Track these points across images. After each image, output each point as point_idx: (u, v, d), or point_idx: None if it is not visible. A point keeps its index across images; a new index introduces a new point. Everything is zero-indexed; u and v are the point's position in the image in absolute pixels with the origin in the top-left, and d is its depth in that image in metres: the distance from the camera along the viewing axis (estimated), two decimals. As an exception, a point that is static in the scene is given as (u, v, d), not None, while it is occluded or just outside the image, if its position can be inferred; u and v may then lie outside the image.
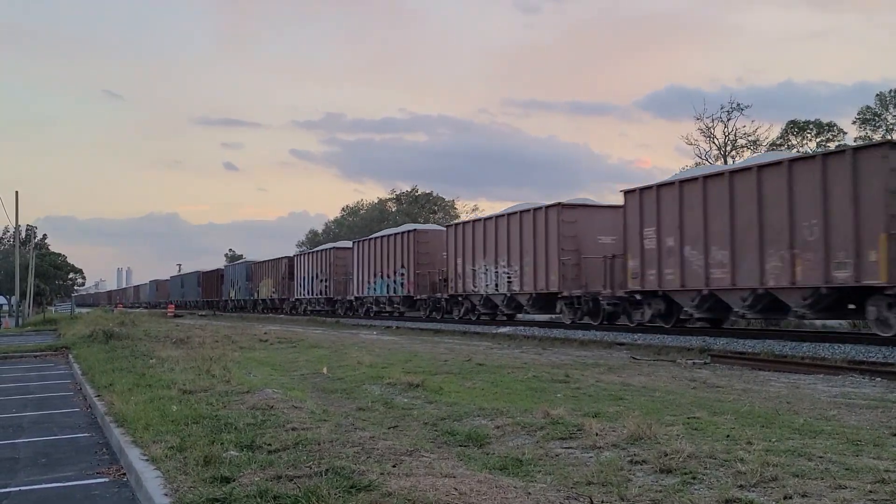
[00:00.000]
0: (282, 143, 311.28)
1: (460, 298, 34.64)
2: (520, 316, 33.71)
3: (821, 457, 6.90)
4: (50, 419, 11.70)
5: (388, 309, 41.77)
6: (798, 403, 10.48)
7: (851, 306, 18.46)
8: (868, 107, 54.41)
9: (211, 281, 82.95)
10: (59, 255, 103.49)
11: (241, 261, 72.12)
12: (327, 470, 6.14)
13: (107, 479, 7.73)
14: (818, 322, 22.79)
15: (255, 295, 65.39)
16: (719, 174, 21.08)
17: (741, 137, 55.10)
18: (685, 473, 6.31)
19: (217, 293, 79.81)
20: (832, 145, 50.39)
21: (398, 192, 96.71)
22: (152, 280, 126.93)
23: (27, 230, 74.46)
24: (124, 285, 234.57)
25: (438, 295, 36.46)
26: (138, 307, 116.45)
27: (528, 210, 29.30)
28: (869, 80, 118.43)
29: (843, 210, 17.33)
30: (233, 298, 73.14)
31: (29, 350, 25.21)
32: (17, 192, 63.58)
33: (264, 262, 64.90)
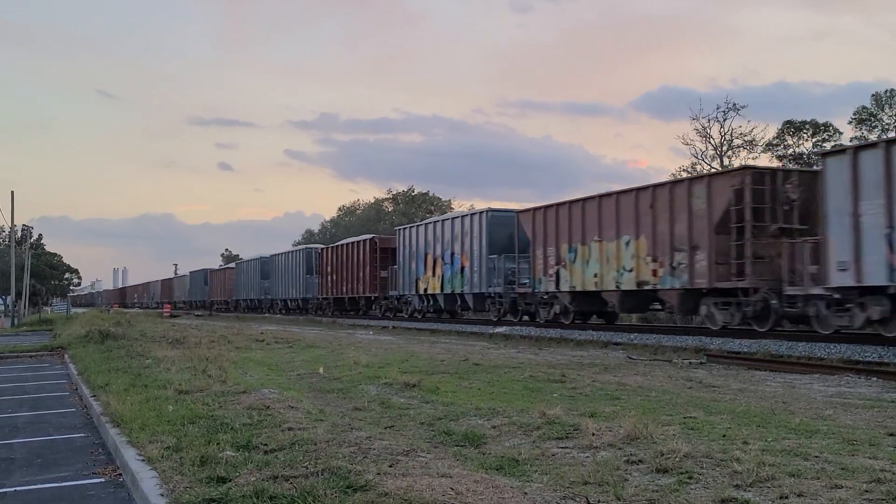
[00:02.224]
0: (277, 143, 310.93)
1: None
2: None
3: (817, 456, 6.91)
4: (46, 419, 11.68)
5: None
6: (794, 403, 10.49)
7: None
8: (864, 107, 54.47)
9: (349, 263, 45.20)
10: (55, 254, 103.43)
11: (455, 213, 39.18)
12: (323, 470, 6.14)
13: (103, 480, 7.72)
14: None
15: (550, 283, 27.49)
16: None
17: (737, 137, 55.10)
18: (681, 473, 6.31)
19: (364, 283, 42.94)
20: (828, 145, 50.45)
21: (394, 192, 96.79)
22: (197, 270, 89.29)
23: (23, 230, 74.30)
24: (121, 285, 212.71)
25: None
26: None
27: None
28: (863, 80, 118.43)
29: None
30: (431, 293, 35.80)
31: (25, 350, 25.17)
32: (12, 192, 63.17)
33: (568, 203, 27.19)
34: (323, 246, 53.57)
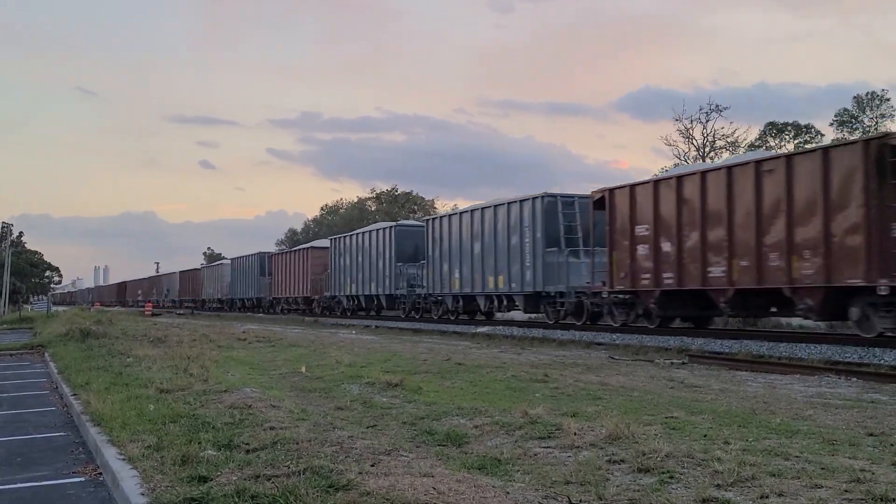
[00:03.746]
0: (258, 141, 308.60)
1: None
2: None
3: (797, 456, 6.95)
4: (25, 418, 11.59)
5: None
6: (775, 403, 10.55)
7: None
8: (845, 109, 54.94)
9: (737, 208, 18.43)
10: (36, 252, 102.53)
11: None
12: (305, 469, 6.12)
13: (83, 479, 7.67)
14: (794, 322, 22.93)
15: None
16: None
17: (720, 139, 55.37)
18: (663, 473, 6.33)
19: (854, 252, 15.87)
20: (809, 147, 50.81)
21: (377, 192, 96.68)
22: (245, 255, 60.63)
23: (3, 227, 73.76)
24: (101, 283, 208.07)
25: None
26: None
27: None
28: (842, 81, 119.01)
29: None
30: None
31: (4, 348, 24.96)
32: (-8, 189, 62.95)
33: None
34: (567, 195, 26.77)
